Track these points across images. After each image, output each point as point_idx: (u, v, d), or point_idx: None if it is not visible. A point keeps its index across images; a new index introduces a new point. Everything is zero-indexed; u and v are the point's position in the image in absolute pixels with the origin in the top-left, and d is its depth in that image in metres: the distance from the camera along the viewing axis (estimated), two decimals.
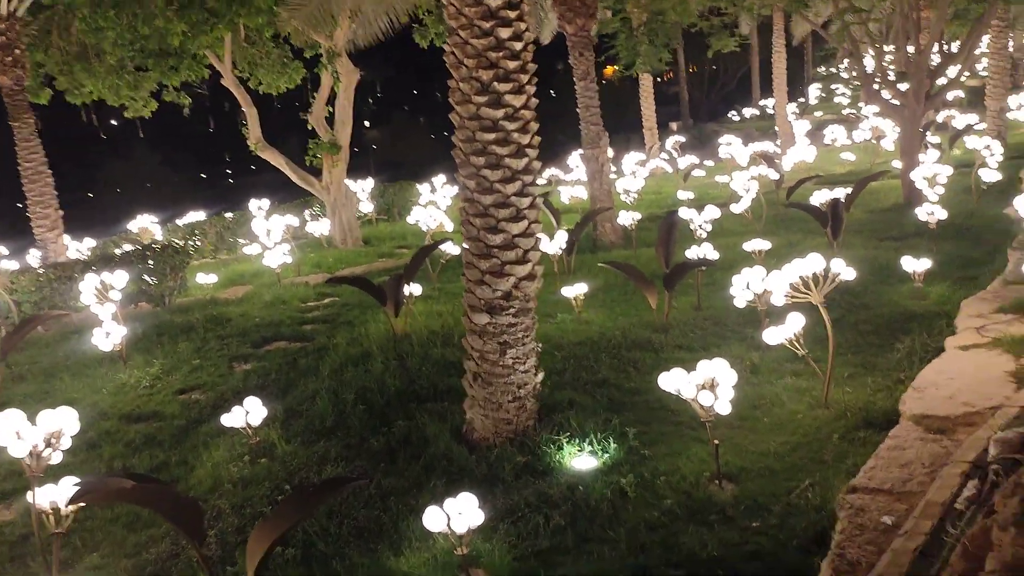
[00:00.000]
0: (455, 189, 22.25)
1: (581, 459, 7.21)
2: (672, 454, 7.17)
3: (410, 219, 18.30)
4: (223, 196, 39.20)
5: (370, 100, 74.06)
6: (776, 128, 33.24)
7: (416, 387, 9.27)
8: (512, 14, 7.08)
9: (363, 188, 23.10)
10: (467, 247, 7.64)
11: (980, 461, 5.71)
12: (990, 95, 22.85)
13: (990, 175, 16.00)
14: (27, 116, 16.06)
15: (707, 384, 6.59)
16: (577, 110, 15.87)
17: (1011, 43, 28.20)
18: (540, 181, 29.97)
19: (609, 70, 49.28)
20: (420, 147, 52.95)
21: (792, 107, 41.12)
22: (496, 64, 7.12)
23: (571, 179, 27.58)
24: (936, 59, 17.97)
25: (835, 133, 30.44)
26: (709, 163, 29.36)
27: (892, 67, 27.20)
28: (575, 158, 28.06)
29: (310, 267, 17.63)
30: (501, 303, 7.47)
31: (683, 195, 20.58)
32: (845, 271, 7.82)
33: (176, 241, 18.07)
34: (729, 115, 52.82)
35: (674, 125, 45.07)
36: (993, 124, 22.55)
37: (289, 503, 5.71)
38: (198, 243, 21.61)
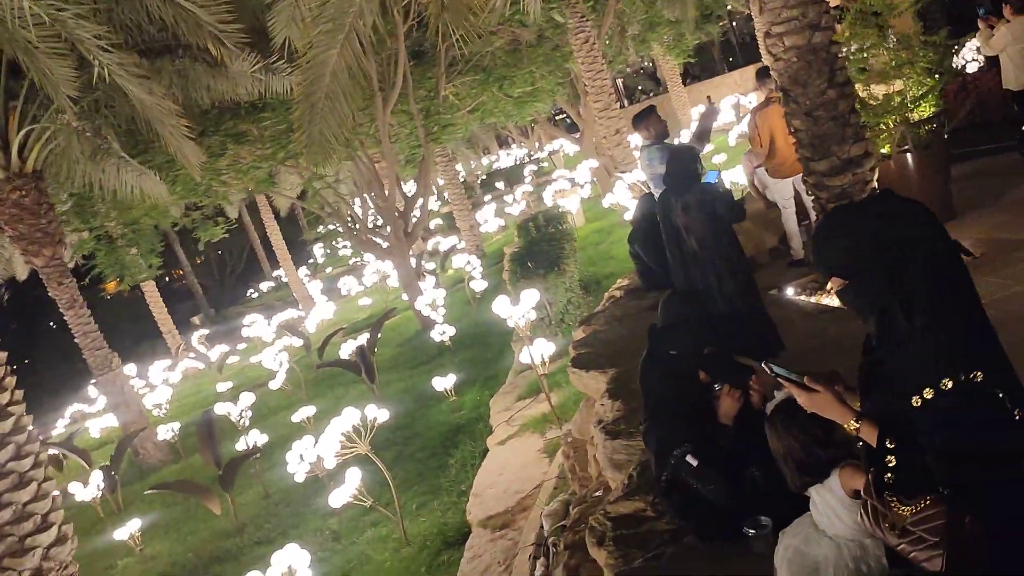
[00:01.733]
0: None
1: None
2: None
3: None
4: None
5: None
6: (294, 294, 34.18)
7: None
8: None
9: None
10: None
11: (540, 539, 6.31)
12: (458, 217, 26.20)
13: (479, 285, 18.18)
14: None
15: (286, 575, 6.39)
16: (76, 340, 14.68)
17: (461, 170, 32.81)
18: (63, 422, 27.06)
19: (110, 285, 46.64)
20: None
21: (304, 270, 42.70)
22: None
23: (96, 410, 25.25)
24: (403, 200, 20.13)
25: (348, 284, 32.25)
26: (242, 346, 29.07)
27: (374, 214, 29.83)
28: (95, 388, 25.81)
29: None
30: None
31: (223, 387, 20.02)
32: (379, 413, 8.24)
33: None
34: (248, 294, 52.76)
35: (196, 319, 43.93)
36: (470, 241, 25.82)
37: None
38: None
